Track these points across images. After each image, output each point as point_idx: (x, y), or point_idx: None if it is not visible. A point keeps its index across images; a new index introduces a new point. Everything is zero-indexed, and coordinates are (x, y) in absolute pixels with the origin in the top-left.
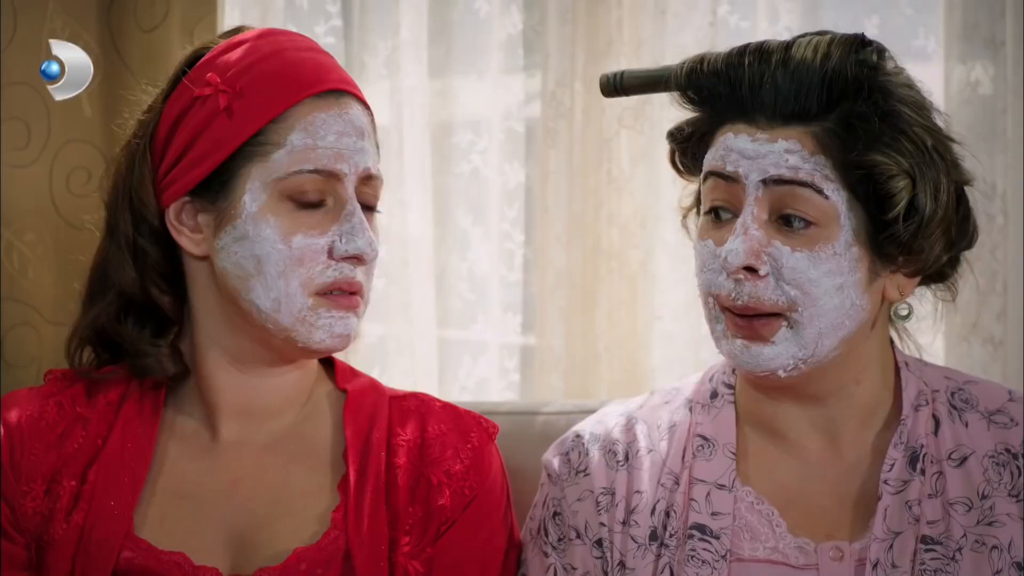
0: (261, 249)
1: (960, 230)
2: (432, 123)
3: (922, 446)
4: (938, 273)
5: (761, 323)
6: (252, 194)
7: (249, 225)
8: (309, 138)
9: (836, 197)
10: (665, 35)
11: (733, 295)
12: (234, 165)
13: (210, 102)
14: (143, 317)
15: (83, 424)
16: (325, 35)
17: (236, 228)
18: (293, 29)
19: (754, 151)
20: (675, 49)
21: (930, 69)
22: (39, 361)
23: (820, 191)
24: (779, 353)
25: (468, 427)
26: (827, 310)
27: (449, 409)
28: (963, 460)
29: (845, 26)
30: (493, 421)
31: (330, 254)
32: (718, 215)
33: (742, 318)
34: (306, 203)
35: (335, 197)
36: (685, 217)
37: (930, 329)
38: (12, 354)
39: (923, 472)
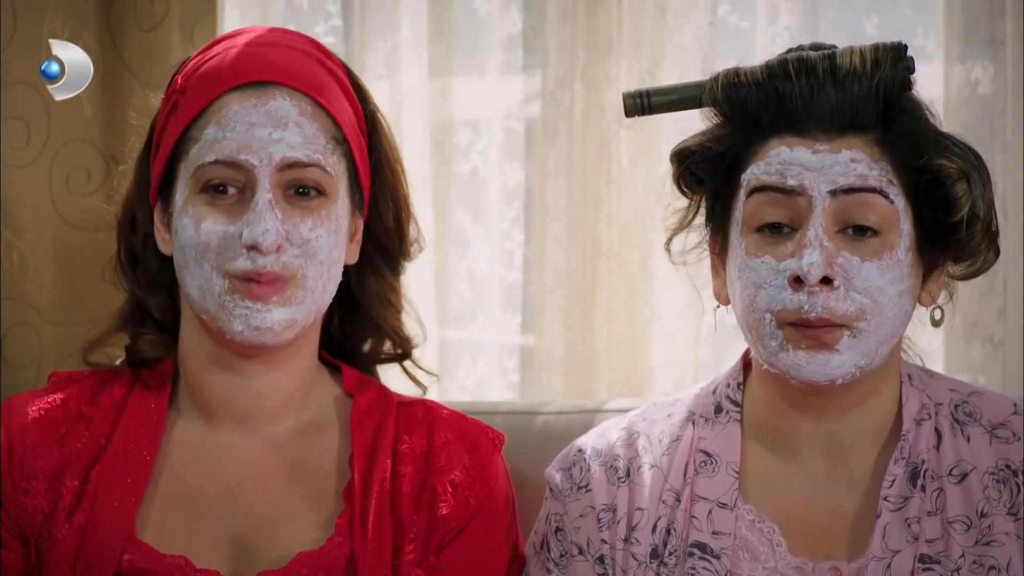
0: (184, 240)
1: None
2: (432, 123)
3: (923, 461)
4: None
5: (826, 331)
6: (180, 191)
7: (177, 220)
8: (220, 131)
9: (898, 202)
10: (665, 34)
11: (806, 307)
12: (174, 164)
13: (169, 103)
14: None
15: (86, 423)
16: (325, 35)
17: (173, 224)
18: (293, 28)
19: (818, 163)
20: (675, 49)
21: (930, 69)
22: (39, 361)
23: (887, 196)
24: (844, 361)
25: (475, 437)
26: (889, 317)
27: (456, 418)
28: (963, 477)
29: (845, 26)
30: (499, 431)
31: (240, 242)
32: (772, 230)
33: (809, 328)
34: (218, 193)
35: (250, 188)
36: (670, 240)
37: (929, 328)
38: (11, 354)
39: (923, 488)
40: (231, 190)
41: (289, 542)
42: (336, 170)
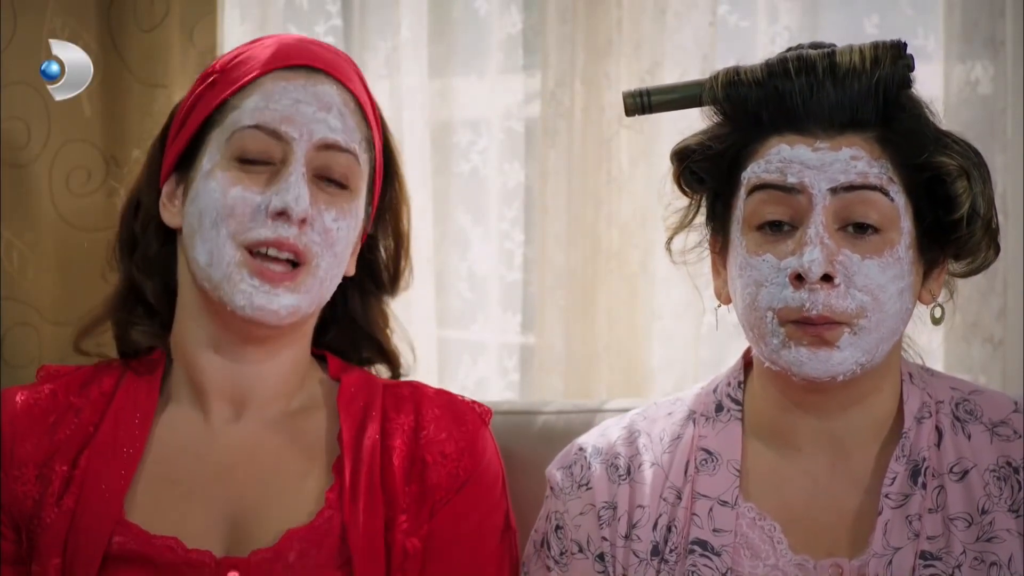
0: (203, 202)
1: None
2: (432, 122)
3: (924, 459)
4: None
5: (827, 328)
6: (209, 156)
7: (200, 183)
8: (263, 101)
9: (898, 200)
10: (665, 34)
11: (807, 305)
12: (203, 134)
13: (203, 83)
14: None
15: (75, 413)
16: (325, 35)
17: (192, 189)
18: (293, 28)
19: (818, 160)
20: (675, 49)
21: (930, 68)
22: (39, 360)
23: (887, 193)
24: (845, 358)
25: (462, 412)
26: (890, 315)
27: (443, 395)
28: (964, 474)
29: (845, 25)
30: (486, 406)
31: (267, 212)
32: (772, 228)
33: (811, 326)
34: (251, 162)
35: (284, 161)
36: (671, 239)
37: (929, 328)
38: (11, 353)
39: (924, 486)
40: (276, 164)
41: (280, 520)
42: (364, 168)
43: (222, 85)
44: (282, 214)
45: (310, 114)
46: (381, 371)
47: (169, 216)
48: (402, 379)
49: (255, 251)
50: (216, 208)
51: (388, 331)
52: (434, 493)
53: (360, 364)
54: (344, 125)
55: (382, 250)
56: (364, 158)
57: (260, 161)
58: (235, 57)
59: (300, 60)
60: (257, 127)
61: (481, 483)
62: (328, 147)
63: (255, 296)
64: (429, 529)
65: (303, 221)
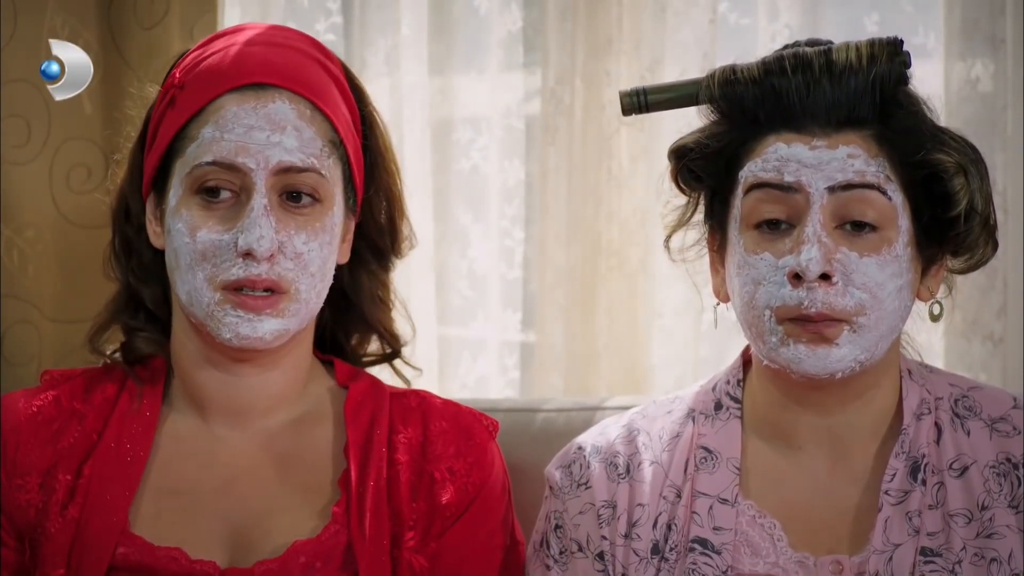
0: (176, 243)
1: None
2: (432, 120)
3: (924, 455)
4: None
5: (826, 326)
6: (174, 189)
7: (170, 220)
8: (217, 131)
9: (896, 198)
10: (665, 32)
11: (805, 303)
12: (169, 160)
13: (166, 97)
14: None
15: (79, 419)
16: (325, 32)
17: (165, 222)
18: (293, 26)
19: (815, 159)
20: (675, 46)
21: (930, 66)
22: (39, 358)
23: (884, 192)
24: (844, 355)
25: (469, 425)
26: (889, 312)
27: (450, 406)
28: (964, 470)
29: (845, 23)
30: (493, 418)
31: (235, 251)
32: (770, 227)
33: (810, 323)
34: (212, 197)
35: (245, 192)
36: (669, 237)
37: (929, 326)
38: (11, 351)
39: (924, 482)
40: (225, 194)
41: (286, 532)
42: (332, 174)
43: (180, 106)
44: (248, 255)
45: (263, 139)
46: (382, 347)
47: (153, 236)
48: (403, 376)
49: (233, 288)
50: (189, 252)
51: (389, 305)
52: (444, 511)
53: (356, 347)
54: (300, 141)
55: (377, 215)
56: (329, 163)
57: (220, 191)
58: (194, 65)
59: (250, 77)
60: (214, 163)
61: (489, 499)
62: (286, 170)
63: (240, 326)
64: (437, 547)
65: (270, 256)
